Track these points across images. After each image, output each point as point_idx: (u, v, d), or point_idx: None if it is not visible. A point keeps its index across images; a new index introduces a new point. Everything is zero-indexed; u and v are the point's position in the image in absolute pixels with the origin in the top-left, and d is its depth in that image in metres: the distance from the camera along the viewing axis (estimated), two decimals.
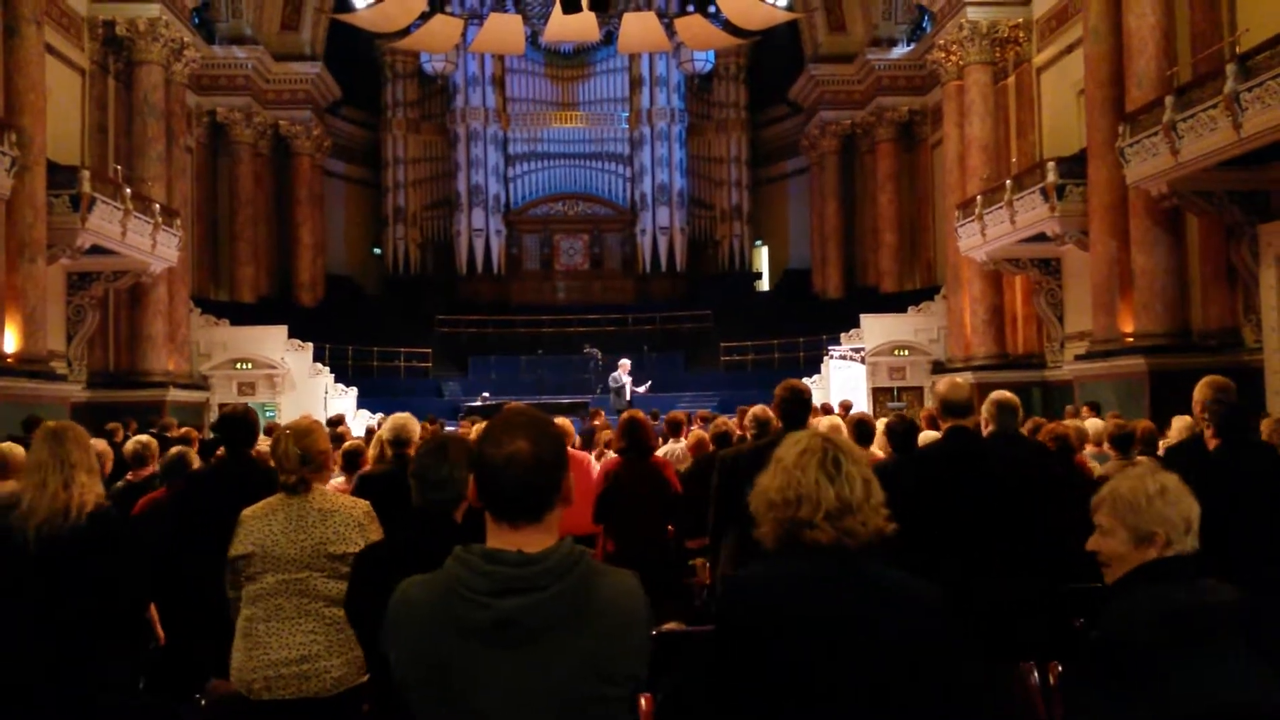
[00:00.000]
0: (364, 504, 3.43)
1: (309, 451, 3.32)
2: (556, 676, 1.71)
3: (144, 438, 6.15)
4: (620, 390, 19.14)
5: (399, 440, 5.10)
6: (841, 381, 21.23)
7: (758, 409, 6.07)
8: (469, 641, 1.71)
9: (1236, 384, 4.42)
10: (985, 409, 4.49)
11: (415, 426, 5.31)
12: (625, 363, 19.45)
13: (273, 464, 3.44)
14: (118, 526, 3.32)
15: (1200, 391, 4.20)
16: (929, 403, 20.02)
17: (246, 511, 3.34)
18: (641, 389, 19.77)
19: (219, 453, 5.44)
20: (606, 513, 5.59)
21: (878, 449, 6.08)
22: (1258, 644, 2.26)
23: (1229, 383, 4.20)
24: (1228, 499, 3.69)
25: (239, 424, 4.50)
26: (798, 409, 4.64)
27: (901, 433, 5.30)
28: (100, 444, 6.03)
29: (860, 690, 1.92)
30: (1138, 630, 2.21)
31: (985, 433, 4.51)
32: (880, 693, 1.93)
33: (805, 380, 21.78)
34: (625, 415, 5.87)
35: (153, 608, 4.28)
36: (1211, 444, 4.24)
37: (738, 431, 7.21)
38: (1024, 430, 6.44)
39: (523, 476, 1.76)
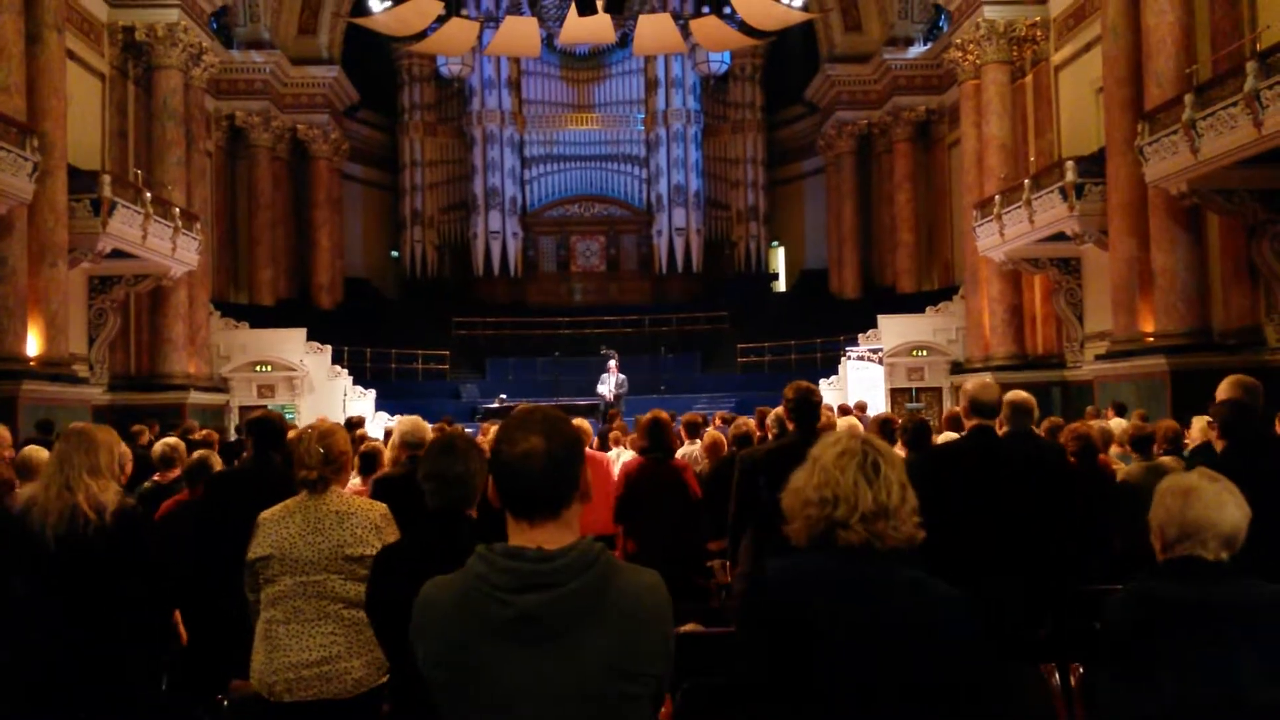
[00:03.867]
0: (381, 506, 3.44)
1: (331, 451, 3.34)
2: (577, 672, 1.72)
3: (172, 440, 6.20)
4: (603, 395, 18.23)
5: (412, 443, 5.11)
6: (859, 382, 21.16)
7: (781, 410, 6.07)
8: (491, 638, 1.72)
9: (1258, 383, 4.38)
10: (1002, 409, 4.49)
11: (426, 428, 5.33)
12: (613, 364, 18.74)
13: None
14: (144, 526, 3.35)
15: (1223, 391, 4.17)
16: (949, 403, 19.96)
17: (264, 514, 3.35)
18: (609, 392, 18.15)
19: (244, 455, 5.48)
20: (626, 513, 5.58)
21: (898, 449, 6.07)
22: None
23: (1253, 381, 4.16)
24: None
25: (267, 427, 4.54)
26: (808, 410, 4.64)
27: (913, 431, 5.30)
28: (121, 446, 6.09)
29: (883, 690, 1.92)
30: (1115, 619, 2.32)
31: (1000, 433, 4.52)
32: (905, 693, 1.93)
33: (823, 381, 21.90)
34: (649, 415, 5.83)
35: (176, 610, 4.32)
36: (1218, 446, 4.21)
37: (757, 433, 7.21)
38: (1041, 430, 6.42)
39: (539, 473, 1.78)
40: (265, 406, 21.63)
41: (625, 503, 5.55)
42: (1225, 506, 2.31)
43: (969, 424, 4.22)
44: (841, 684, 1.93)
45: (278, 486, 3.50)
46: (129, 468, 5.71)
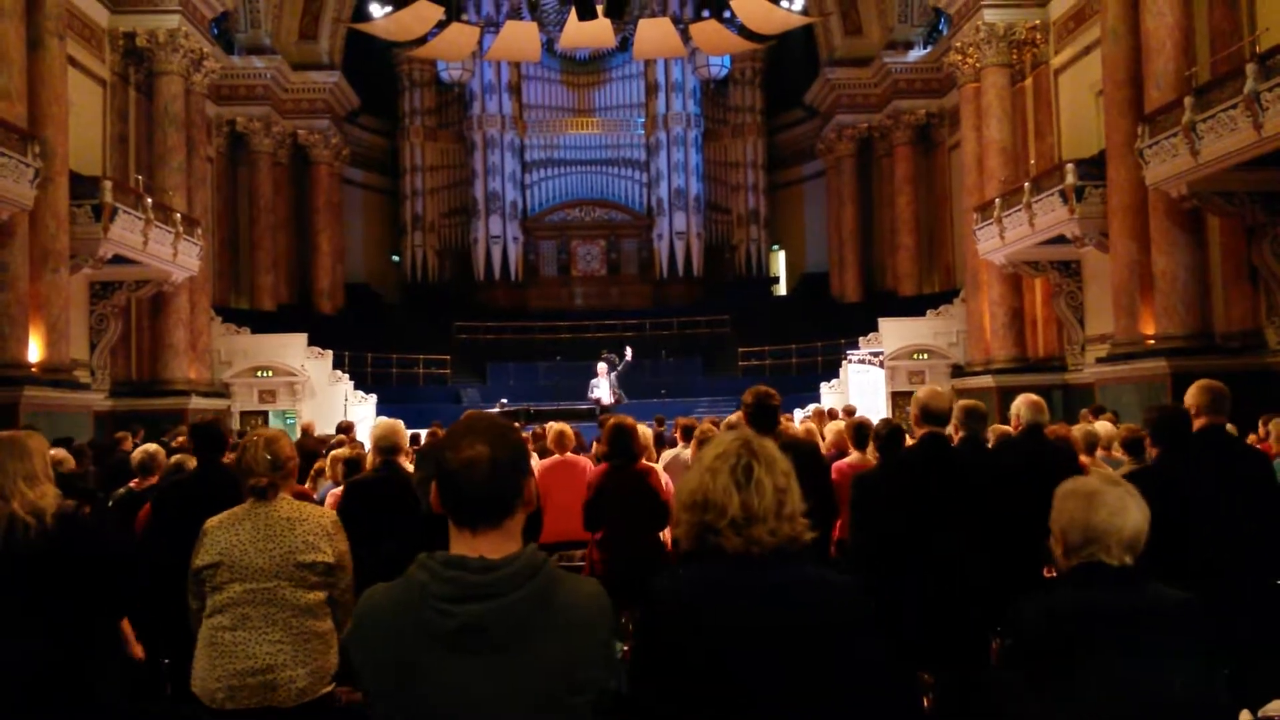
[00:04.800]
0: (331, 513, 3.42)
1: (278, 457, 3.31)
2: (519, 683, 1.70)
3: (151, 447, 6.13)
4: (598, 399, 17.74)
5: (386, 448, 5.08)
6: (860, 386, 21.15)
7: (732, 418, 6.09)
8: (433, 648, 1.70)
9: (1259, 386, 4.39)
10: (954, 415, 4.50)
11: (403, 433, 5.28)
12: (603, 365, 18.32)
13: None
14: (88, 528, 3.28)
15: (1190, 396, 4.15)
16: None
17: (211, 522, 3.30)
18: (608, 398, 17.73)
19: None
20: (595, 521, 5.57)
21: (871, 453, 6.07)
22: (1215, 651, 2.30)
23: (1220, 386, 4.14)
24: (1166, 509, 3.69)
25: (207, 434, 4.50)
26: (763, 415, 4.64)
27: (886, 436, 5.29)
28: (59, 452, 6.06)
29: (774, 691, 1.90)
30: (1027, 631, 2.32)
31: (955, 439, 4.52)
32: (794, 692, 1.90)
33: (823, 385, 21.90)
34: (611, 421, 5.76)
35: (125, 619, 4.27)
36: (1151, 453, 4.20)
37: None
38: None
39: (481, 481, 1.76)
40: (266, 412, 21.69)
41: (591, 509, 5.53)
42: (1128, 511, 2.29)
43: (919, 431, 4.23)
44: (730, 689, 1.90)
45: (225, 493, 3.46)
46: (64, 467, 5.64)
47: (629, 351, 18.81)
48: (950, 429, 4.51)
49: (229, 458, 4.45)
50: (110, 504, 5.75)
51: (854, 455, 6.45)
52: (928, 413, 4.18)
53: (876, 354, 21.81)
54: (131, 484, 5.91)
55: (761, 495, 1.96)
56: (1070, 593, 2.29)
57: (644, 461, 6.02)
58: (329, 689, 3.23)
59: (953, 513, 3.95)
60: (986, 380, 20.33)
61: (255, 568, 3.19)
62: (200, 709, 3.21)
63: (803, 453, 4.67)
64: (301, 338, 22.43)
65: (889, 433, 5.29)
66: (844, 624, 1.96)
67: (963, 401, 4.61)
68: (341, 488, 5.75)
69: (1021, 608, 2.35)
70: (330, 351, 22.67)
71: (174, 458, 5.53)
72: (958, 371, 22.01)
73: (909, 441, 4.81)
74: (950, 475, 4.04)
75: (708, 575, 1.96)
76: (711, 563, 1.97)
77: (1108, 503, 2.29)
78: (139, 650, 3.94)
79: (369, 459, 6.16)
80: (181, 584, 3.39)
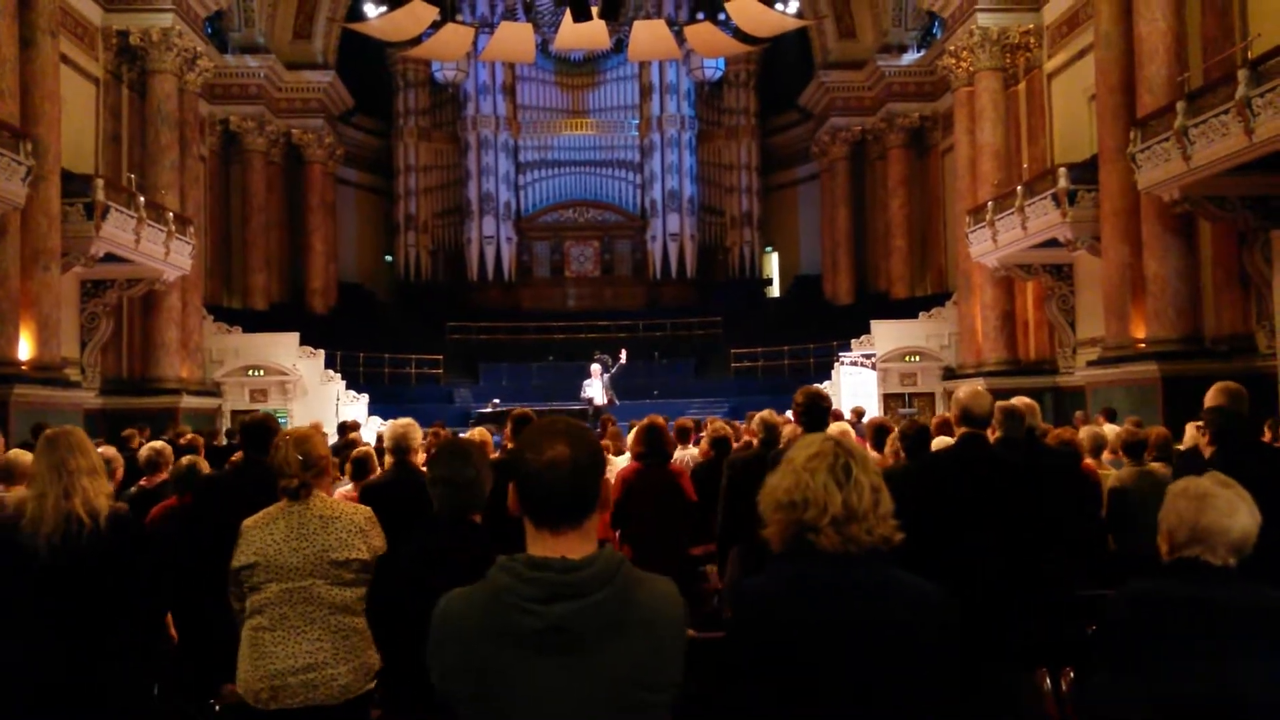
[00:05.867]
0: (366, 509, 3.42)
1: (310, 457, 3.32)
2: (602, 683, 1.72)
3: (159, 444, 6.15)
4: (590, 399, 17.72)
5: (400, 448, 5.08)
6: (853, 388, 21.20)
7: (765, 413, 6.07)
8: (519, 649, 1.71)
9: (1250, 390, 4.40)
10: (994, 416, 4.49)
11: (416, 434, 5.29)
12: (596, 367, 18.31)
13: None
14: (137, 531, 3.32)
15: (1211, 397, 4.18)
16: (940, 409, 19.98)
17: (247, 522, 3.32)
18: (601, 398, 17.61)
19: (234, 458, 5.43)
20: (623, 519, 5.58)
21: (889, 453, 6.07)
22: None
23: (1239, 388, 4.18)
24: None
25: (259, 431, 4.50)
26: (817, 414, 4.65)
27: (914, 437, 5.30)
28: (109, 450, 6.06)
29: (865, 692, 1.93)
30: (1115, 616, 2.34)
31: (992, 439, 4.52)
32: (885, 695, 1.93)
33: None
34: (645, 421, 5.82)
35: (169, 614, 4.29)
36: (1207, 452, 4.22)
37: (745, 436, 7.20)
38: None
39: (564, 482, 1.77)
40: (258, 411, 21.59)
41: (622, 508, 5.55)
42: (1238, 513, 2.31)
43: (959, 431, 4.23)
44: (823, 689, 1.93)
45: (268, 491, 3.48)
46: (119, 473, 5.68)
47: (623, 354, 18.78)
48: (986, 431, 4.50)
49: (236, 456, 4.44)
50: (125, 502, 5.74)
51: (874, 456, 6.46)
52: (969, 415, 4.18)
53: (869, 356, 21.86)
54: (141, 482, 5.91)
55: (860, 493, 2.00)
56: (1160, 583, 2.32)
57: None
58: (372, 685, 3.24)
59: (987, 514, 3.95)
60: (978, 383, 20.36)
61: (290, 567, 3.20)
62: (247, 711, 3.22)
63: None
64: (293, 337, 22.40)
65: (916, 433, 5.30)
66: (931, 628, 1.98)
67: (1002, 403, 4.58)
68: (351, 486, 5.76)
69: (1114, 595, 2.38)
70: (322, 351, 22.65)
71: (185, 458, 5.51)
72: (949, 374, 22.06)
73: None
74: (983, 477, 4.04)
75: (805, 574, 1.99)
76: (807, 562, 1.99)
77: (1218, 504, 2.32)
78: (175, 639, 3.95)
79: (378, 460, 6.15)
80: (215, 582, 3.41)
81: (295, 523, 3.26)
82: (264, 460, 4.38)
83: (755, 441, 6.22)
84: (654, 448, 5.60)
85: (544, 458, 1.78)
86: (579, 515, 1.79)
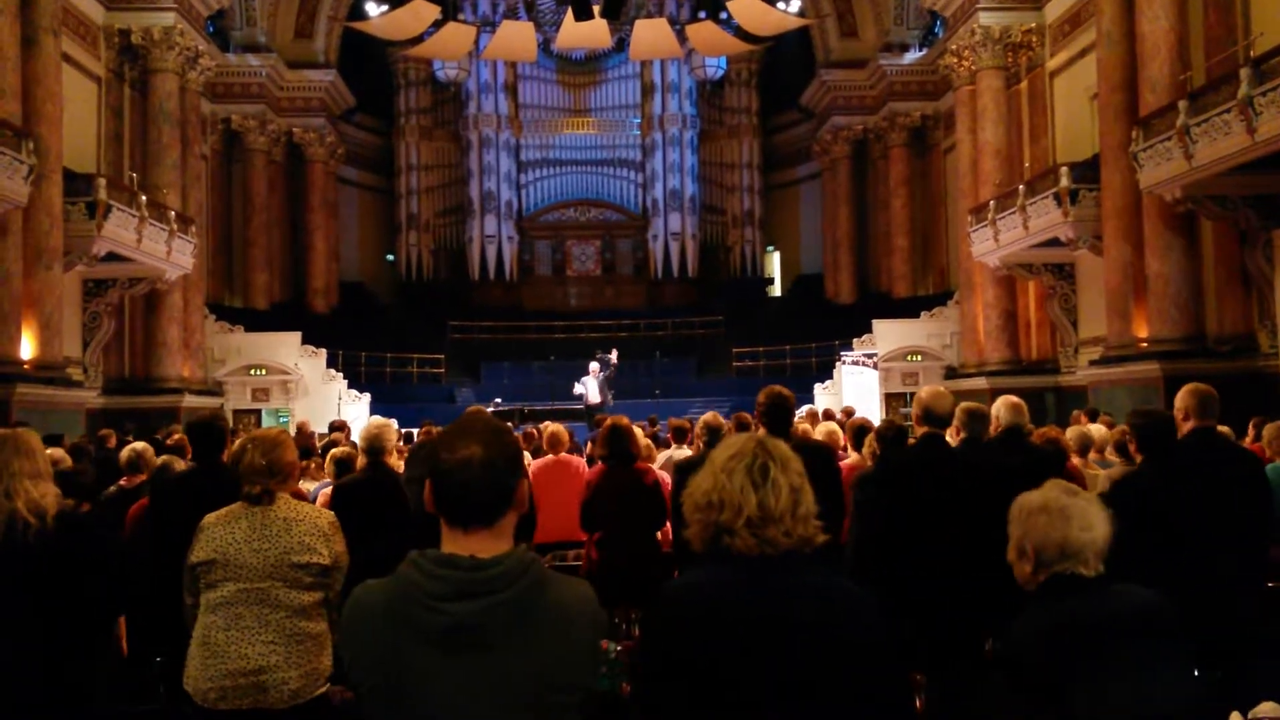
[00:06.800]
0: (329, 514, 3.39)
1: (276, 463, 3.28)
2: (506, 682, 1.71)
3: (139, 445, 6.09)
4: (583, 397, 17.58)
5: (374, 449, 5.03)
6: (854, 387, 21.18)
7: (709, 416, 6.11)
8: (423, 646, 1.71)
9: (1251, 390, 4.39)
10: (956, 416, 4.50)
11: (391, 434, 5.24)
12: (594, 365, 18.11)
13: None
14: (92, 530, 3.26)
15: (1180, 399, 4.14)
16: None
17: (208, 518, 3.29)
18: (595, 397, 17.36)
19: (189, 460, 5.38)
20: (591, 521, 5.56)
21: (867, 454, 6.08)
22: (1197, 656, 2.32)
23: (1209, 389, 4.13)
24: (1148, 514, 3.70)
25: (204, 432, 4.46)
26: (779, 416, 4.61)
27: (890, 438, 5.29)
28: (57, 452, 6.01)
29: (778, 696, 1.89)
30: (1024, 654, 2.29)
31: (955, 440, 4.52)
32: (804, 698, 1.90)
33: (818, 386, 21.91)
34: (607, 422, 5.75)
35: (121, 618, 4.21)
36: (1137, 459, 4.20)
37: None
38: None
39: (476, 481, 1.77)
40: (260, 410, 21.65)
41: (588, 509, 5.53)
42: (1099, 524, 2.31)
43: (919, 431, 4.22)
44: (739, 693, 1.89)
45: (227, 491, 3.45)
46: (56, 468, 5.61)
47: (614, 354, 18.75)
48: (950, 431, 4.50)
49: (227, 454, 4.40)
50: (104, 502, 5.73)
51: (853, 457, 6.47)
52: (930, 414, 4.17)
53: (871, 355, 21.84)
54: (121, 482, 5.90)
55: (778, 495, 1.95)
56: (1052, 607, 2.29)
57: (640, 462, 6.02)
58: (322, 690, 3.21)
59: (947, 514, 3.95)
60: (980, 382, 20.36)
61: (249, 567, 3.17)
62: (192, 708, 3.19)
63: (816, 455, 4.61)
64: (295, 336, 22.41)
65: (894, 434, 5.28)
66: (853, 631, 1.94)
67: (965, 403, 4.59)
68: (331, 487, 5.74)
69: (1012, 634, 2.33)
70: (324, 350, 22.65)
71: (162, 457, 5.49)
72: (951, 373, 22.05)
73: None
74: (944, 477, 4.04)
75: (719, 577, 1.95)
76: (723, 565, 1.95)
77: (1077, 516, 2.30)
78: (124, 647, 3.90)
79: (358, 459, 6.14)
80: (177, 582, 3.37)
81: (258, 523, 3.22)
82: (219, 459, 4.34)
83: (701, 444, 6.22)
84: (616, 449, 5.56)
85: (457, 456, 1.77)
86: (490, 515, 1.78)
